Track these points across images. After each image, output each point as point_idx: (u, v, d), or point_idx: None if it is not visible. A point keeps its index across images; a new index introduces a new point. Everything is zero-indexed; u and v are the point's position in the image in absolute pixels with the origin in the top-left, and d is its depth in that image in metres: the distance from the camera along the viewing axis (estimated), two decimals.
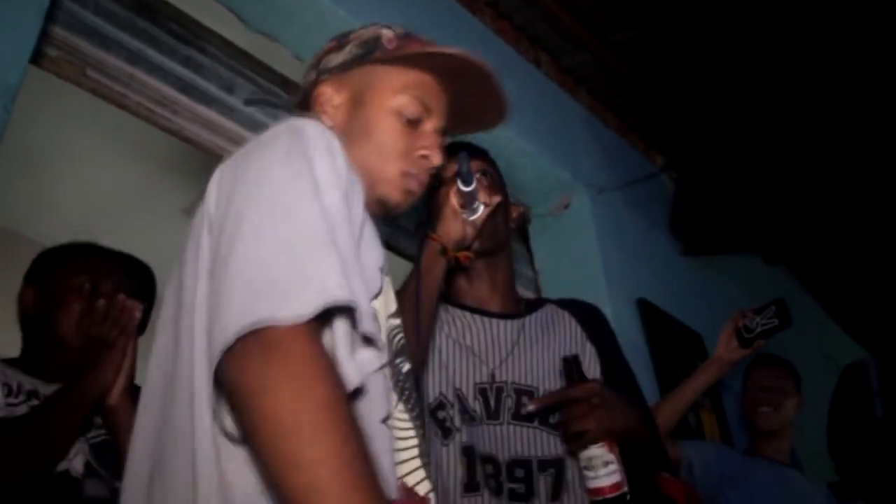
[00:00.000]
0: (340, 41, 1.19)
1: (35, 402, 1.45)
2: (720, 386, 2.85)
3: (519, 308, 1.60)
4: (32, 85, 1.54)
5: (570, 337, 1.57)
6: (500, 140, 2.42)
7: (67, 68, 1.64)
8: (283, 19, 2.08)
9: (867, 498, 2.80)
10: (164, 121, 1.82)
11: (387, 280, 1.01)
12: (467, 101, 1.20)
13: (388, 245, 1.88)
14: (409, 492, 0.91)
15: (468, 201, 1.37)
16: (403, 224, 2.29)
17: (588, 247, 2.74)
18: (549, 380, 1.47)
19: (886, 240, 3.58)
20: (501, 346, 1.51)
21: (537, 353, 1.51)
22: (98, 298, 1.58)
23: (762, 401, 2.43)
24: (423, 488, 0.95)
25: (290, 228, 0.81)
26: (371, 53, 1.15)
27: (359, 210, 0.93)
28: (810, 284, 4.16)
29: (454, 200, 1.36)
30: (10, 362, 1.54)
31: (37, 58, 1.57)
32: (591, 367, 1.53)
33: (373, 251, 0.98)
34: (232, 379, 0.75)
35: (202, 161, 1.76)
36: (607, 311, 2.59)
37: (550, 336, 1.56)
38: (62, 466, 1.42)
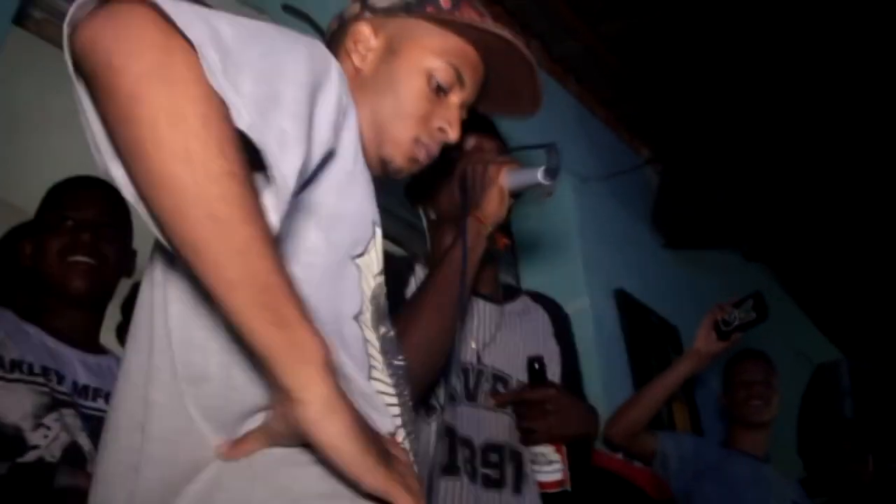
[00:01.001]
0: None
1: (16, 375, 1.36)
2: (693, 378, 2.87)
3: (499, 293, 1.60)
4: (15, 47, 1.52)
5: (541, 331, 1.59)
6: None
7: (52, 30, 1.62)
8: None
9: (832, 495, 2.85)
10: None
11: (377, 236, 0.97)
12: (500, 83, 1.17)
13: None
14: (397, 445, 0.86)
15: (525, 189, 1.34)
16: (388, 206, 2.28)
17: (569, 236, 2.75)
18: (522, 370, 1.49)
19: (863, 240, 3.63)
20: (486, 329, 1.50)
21: (514, 343, 1.52)
22: (80, 231, 1.52)
23: (756, 394, 2.46)
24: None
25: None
26: (424, 6, 1.10)
27: (351, 137, 0.91)
28: (787, 282, 4.22)
29: (504, 181, 1.32)
30: (18, 312, 1.48)
31: (21, 19, 1.54)
32: (553, 364, 1.55)
33: (366, 201, 0.95)
34: (74, 42, 0.71)
35: None
36: (585, 300, 2.63)
37: (526, 327, 1.57)
38: (31, 455, 1.31)
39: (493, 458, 1.39)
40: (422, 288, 1.31)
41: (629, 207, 3.18)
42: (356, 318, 0.89)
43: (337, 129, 0.86)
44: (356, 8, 1.13)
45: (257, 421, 0.76)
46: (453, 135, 1.10)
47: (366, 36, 1.09)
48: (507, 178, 1.32)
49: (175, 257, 0.76)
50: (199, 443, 0.75)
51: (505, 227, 1.45)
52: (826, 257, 3.88)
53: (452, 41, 1.09)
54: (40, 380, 1.38)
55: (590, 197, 2.91)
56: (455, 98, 1.10)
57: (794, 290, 4.29)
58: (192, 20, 0.71)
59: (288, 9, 1.98)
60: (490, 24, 1.11)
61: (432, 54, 1.08)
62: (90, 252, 1.52)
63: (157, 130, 0.66)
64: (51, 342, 1.46)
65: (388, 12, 1.10)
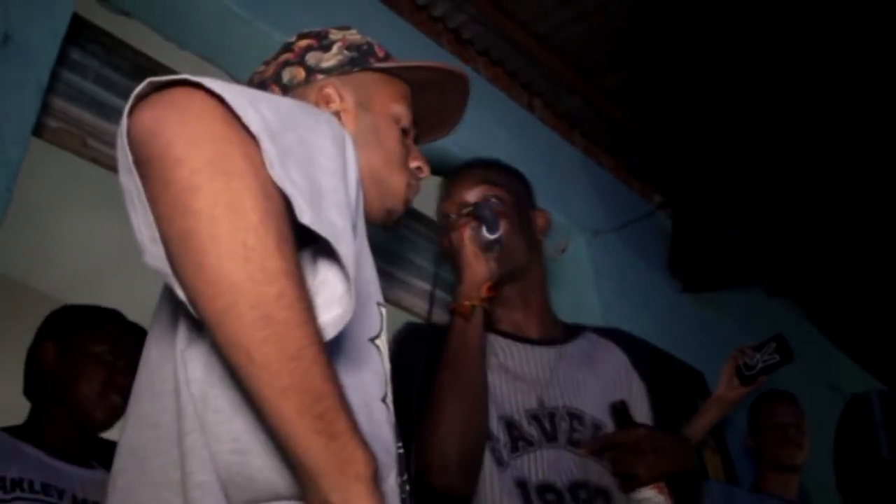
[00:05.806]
0: (320, 40, 1.15)
1: (17, 493, 1.39)
2: (723, 424, 2.84)
3: (556, 333, 1.59)
4: (35, 151, 1.57)
5: (617, 366, 1.57)
6: None
7: (68, 139, 1.68)
8: None
9: None
10: None
11: (384, 315, 0.96)
12: (428, 112, 1.23)
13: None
14: None
15: (491, 245, 1.39)
16: (399, 276, 2.32)
17: (586, 290, 2.75)
18: (594, 405, 1.47)
19: (886, 259, 3.58)
20: (542, 373, 1.50)
21: (581, 379, 1.51)
22: (119, 371, 1.58)
23: (790, 437, 2.44)
24: None
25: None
26: (366, 60, 1.14)
27: (362, 211, 0.90)
28: (813, 313, 4.15)
29: (469, 243, 1.38)
30: (13, 431, 1.53)
31: (38, 129, 1.60)
32: (639, 402, 1.53)
33: (373, 277, 0.94)
34: (131, 129, 0.69)
35: None
36: None
37: (596, 364, 1.55)
38: None
39: (583, 494, 1.37)
40: (434, 387, 1.32)
41: (644, 256, 3.18)
42: (384, 399, 0.88)
43: (357, 206, 0.86)
44: (300, 73, 1.13)
45: None
46: (427, 171, 1.17)
47: (334, 97, 1.10)
48: (473, 238, 1.38)
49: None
50: None
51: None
52: (851, 283, 3.82)
53: (399, 85, 1.15)
54: (41, 497, 1.42)
55: (603, 249, 2.92)
56: (412, 137, 1.16)
57: (821, 321, 4.21)
58: (246, 107, 0.69)
59: None
60: (432, 62, 1.19)
61: (393, 101, 1.13)
62: (125, 394, 1.58)
63: (215, 224, 0.63)
64: (48, 459, 1.50)
65: (340, 71, 1.12)
